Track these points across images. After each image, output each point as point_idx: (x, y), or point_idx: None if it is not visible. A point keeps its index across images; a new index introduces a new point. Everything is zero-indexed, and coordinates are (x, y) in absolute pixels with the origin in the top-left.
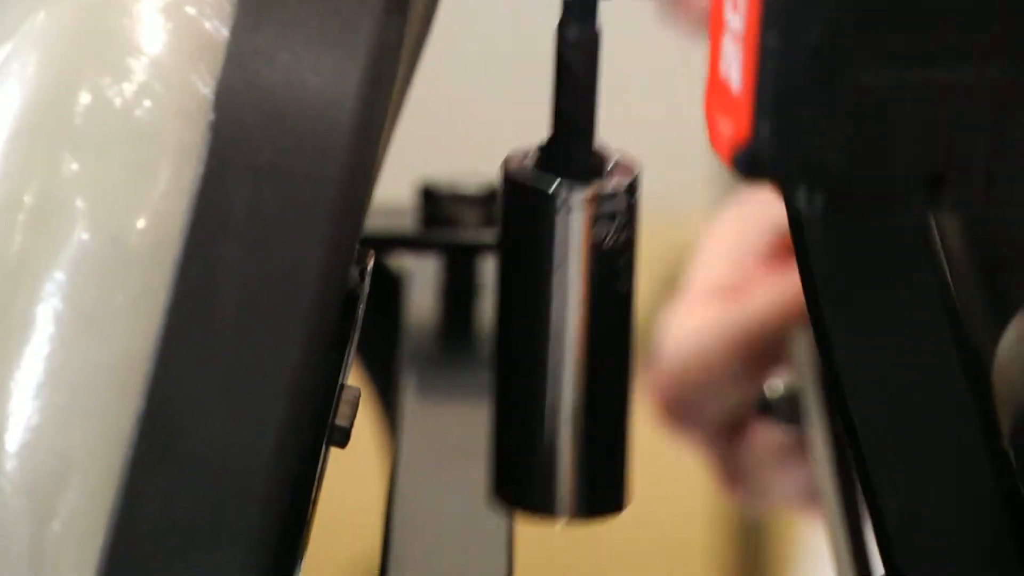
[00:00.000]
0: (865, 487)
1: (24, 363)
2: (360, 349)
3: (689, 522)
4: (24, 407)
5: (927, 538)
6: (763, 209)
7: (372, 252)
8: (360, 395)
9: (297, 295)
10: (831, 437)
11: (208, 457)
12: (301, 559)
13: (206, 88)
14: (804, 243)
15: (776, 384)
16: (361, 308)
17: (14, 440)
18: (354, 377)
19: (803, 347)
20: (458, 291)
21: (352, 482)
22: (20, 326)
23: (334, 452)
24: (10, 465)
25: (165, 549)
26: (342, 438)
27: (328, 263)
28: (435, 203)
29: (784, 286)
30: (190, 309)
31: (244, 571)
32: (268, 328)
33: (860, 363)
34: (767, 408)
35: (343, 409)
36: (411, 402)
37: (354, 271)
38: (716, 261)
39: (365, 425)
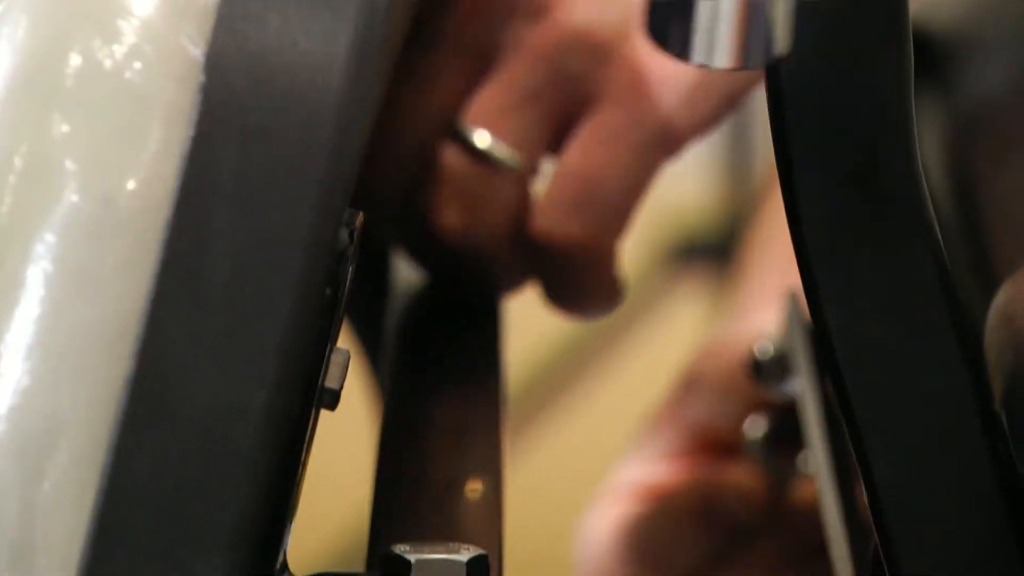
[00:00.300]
0: (856, 447)
1: (14, 325)
2: (349, 312)
3: None
4: (14, 369)
5: (918, 499)
6: (692, 406)
7: (361, 214)
8: (349, 357)
9: (286, 256)
10: (821, 398)
11: (198, 418)
12: (291, 521)
13: (196, 50)
14: (797, 205)
15: (766, 345)
16: (350, 270)
17: (3, 402)
18: (343, 340)
19: (793, 308)
20: None
21: (342, 444)
22: (10, 288)
23: (324, 414)
24: (0, 428)
25: (155, 510)
26: (332, 400)
27: (317, 225)
28: None
29: (688, 492)
30: (180, 271)
31: (234, 531)
32: (257, 290)
33: (852, 325)
34: (757, 369)
35: (333, 371)
36: (400, 364)
37: (343, 233)
38: (639, 457)
39: (355, 388)
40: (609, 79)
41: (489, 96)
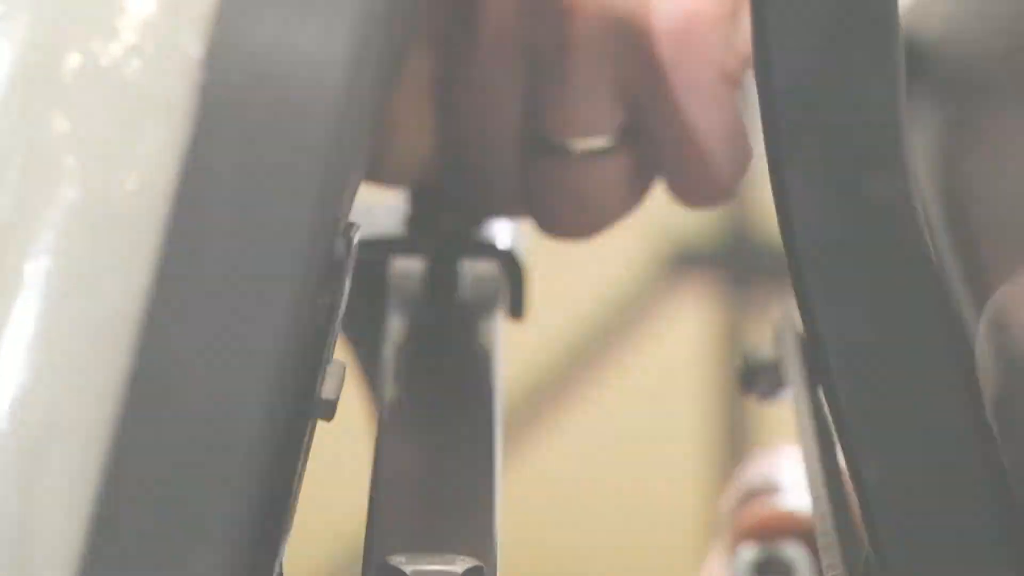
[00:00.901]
0: (848, 457)
1: (13, 321)
2: (346, 325)
3: (676, 523)
4: (13, 365)
5: (910, 507)
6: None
7: (358, 225)
8: (346, 369)
9: (283, 255)
10: (814, 408)
11: (197, 414)
12: (288, 531)
13: (195, 49)
14: (788, 214)
15: (757, 354)
16: (347, 280)
17: (3, 399)
18: (340, 352)
19: (785, 316)
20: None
21: (338, 456)
22: (9, 284)
23: (320, 426)
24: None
25: (153, 506)
26: (328, 412)
27: (314, 225)
28: None
29: None
30: (178, 269)
31: (231, 527)
32: (255, 286)
33: (844, 334)
34: (749, 379)
35: (329, 382)
36: (396, 375)
37: (340, 243)
38: None
39: (351, 399)
40: (655, 43)
41: (560, 106)
